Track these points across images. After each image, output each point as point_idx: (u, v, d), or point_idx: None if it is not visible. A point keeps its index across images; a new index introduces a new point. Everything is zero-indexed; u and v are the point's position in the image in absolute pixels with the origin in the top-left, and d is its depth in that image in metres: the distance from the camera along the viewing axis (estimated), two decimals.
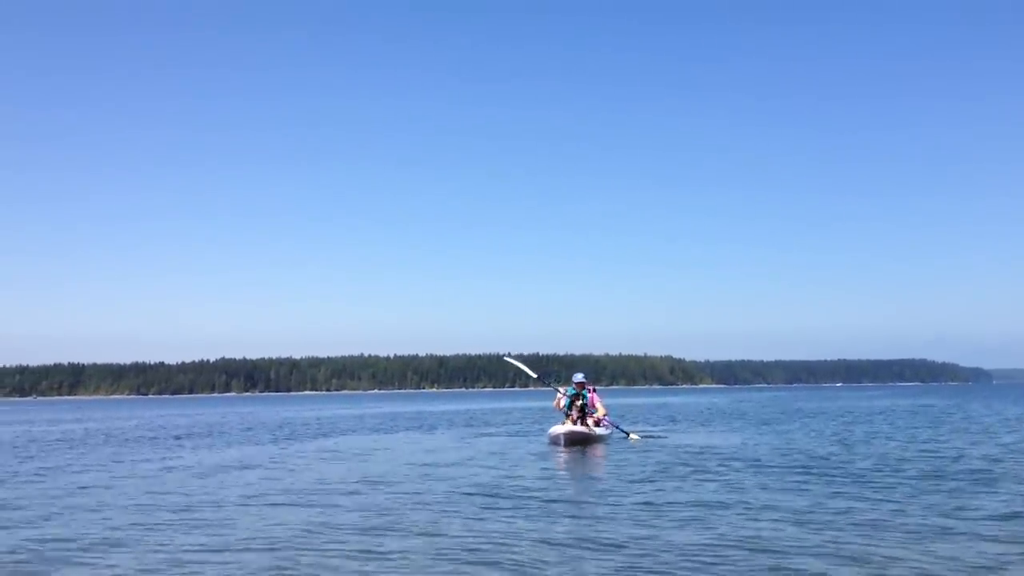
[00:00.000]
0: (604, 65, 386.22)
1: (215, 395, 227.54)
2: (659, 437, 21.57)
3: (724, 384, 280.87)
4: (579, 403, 19.82)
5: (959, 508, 9.50)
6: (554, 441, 19.02)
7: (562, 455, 17.03)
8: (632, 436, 20.79)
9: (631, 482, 12.39)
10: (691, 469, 13.86)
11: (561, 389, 20.26)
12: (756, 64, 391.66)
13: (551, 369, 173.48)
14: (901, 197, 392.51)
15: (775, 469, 13.60)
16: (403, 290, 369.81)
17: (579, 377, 20.37)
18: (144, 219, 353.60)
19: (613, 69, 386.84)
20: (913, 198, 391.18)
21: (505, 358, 21.49)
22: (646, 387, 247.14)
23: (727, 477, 12.68)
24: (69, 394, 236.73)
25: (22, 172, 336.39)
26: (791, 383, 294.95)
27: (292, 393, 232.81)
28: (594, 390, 20.47)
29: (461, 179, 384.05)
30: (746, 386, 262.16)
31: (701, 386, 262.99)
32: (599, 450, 17.86)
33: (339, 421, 37.05)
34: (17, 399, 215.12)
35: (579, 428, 19.16)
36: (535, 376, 24.21)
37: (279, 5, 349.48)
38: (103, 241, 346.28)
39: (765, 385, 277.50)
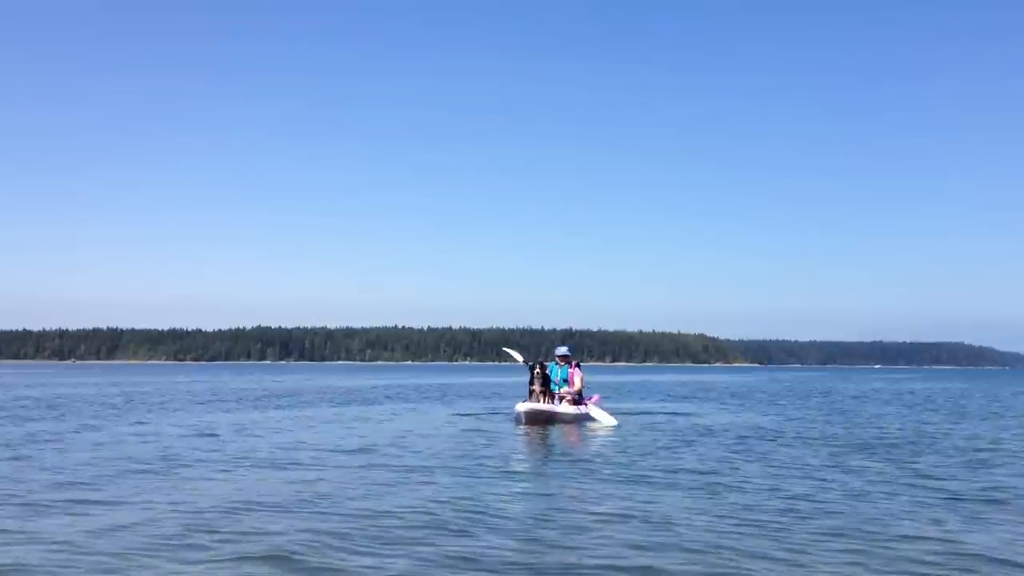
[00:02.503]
0: (634, 43, 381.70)
1: (250, 362, 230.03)
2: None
3: (758, 363, 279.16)
4: (539, 375, 18.24)
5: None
6: (516, 419, 17.90)
7: (518, 435, 15.85)
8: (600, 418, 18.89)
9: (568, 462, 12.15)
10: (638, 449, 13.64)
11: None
12: (778, 45, 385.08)
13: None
14: (939, 178, 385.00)
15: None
16: (438, 263, 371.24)
17: (562, 351, 19.34)
18: (182, 186, 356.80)
19: (641, 48, 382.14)
20: (950, 179, 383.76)
21: (504, 348, 20.30)
22: (678, 364, 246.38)
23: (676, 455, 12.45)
24: (107, 359, 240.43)
25: (59, 139, 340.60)
26: (825, 364, 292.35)
27: (326, 362, 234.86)
28: (577, 365, 19.22)
29: (497, 156, 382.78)
30: (780, 366, 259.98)
31: (734, 365, 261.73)
32: (560, 430, 16.78)
33: (365, 392, 37.31)
34: (56, 362, 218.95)
35: (540, 406, 17.92)
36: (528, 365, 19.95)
37: None
38: (142, 208, 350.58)
39: (799, 365, 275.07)
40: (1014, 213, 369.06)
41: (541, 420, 17.58)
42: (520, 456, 12.88)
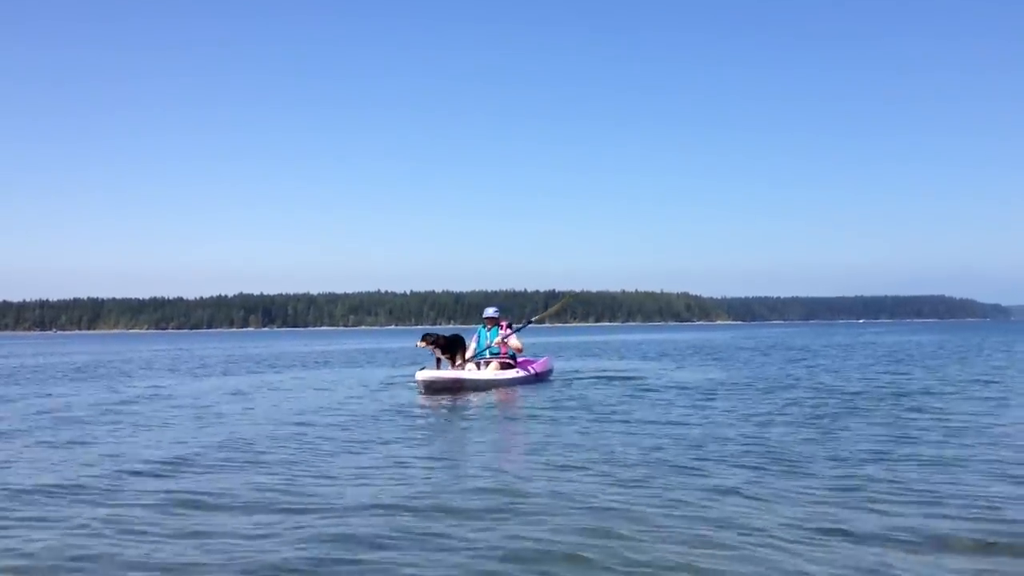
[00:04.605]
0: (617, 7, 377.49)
1: (233, 330, 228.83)
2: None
3: (740, 320, 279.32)
4: (432, 343, 16.64)
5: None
6: (417, 388, 15.94)
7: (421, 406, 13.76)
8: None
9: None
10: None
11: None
12: (766, 3, 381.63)
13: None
14: (918, 134, 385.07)
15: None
16: (421, 227, 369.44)
17: (490, 311, 17.71)
18: (162, 156, 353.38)
19: (623, 10, 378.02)
20: (930, 135, 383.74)
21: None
22: (661, 323, 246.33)
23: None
24: (89, 328, 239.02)
25: (41, 111, 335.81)
26: (808, 319, 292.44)
27: (309, 328, 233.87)
28: (509, 326, 17.60)
29: (478, 118, 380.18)
30: (762, 323, 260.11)
31: (717, 323, 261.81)
32: (470, 397, 14.71)
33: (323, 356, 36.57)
34: (38, 333, 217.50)
35: (446, 373, 16.08)
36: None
37: None
38: (123, 177, 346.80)
39: (782, 322, 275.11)
40: (993, 167, 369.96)
41: (447, 389, 15.56)
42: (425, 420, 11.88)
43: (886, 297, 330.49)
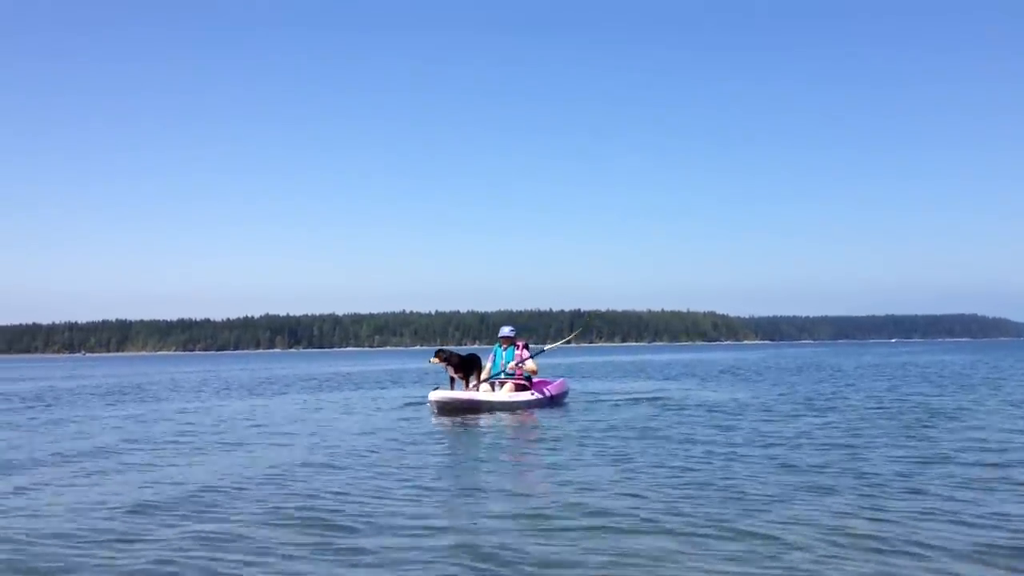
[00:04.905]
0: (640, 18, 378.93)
1: (259, 351, 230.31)
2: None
3: (769, 340, 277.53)
4: (444, 360, 16.55)
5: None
6: (431, 409, 15.90)
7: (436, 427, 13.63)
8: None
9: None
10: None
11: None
12: (785, 21, 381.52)
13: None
14: (949, 149, 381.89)
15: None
16: (445, 247, 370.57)
17: (505, 331, 17.32)
18: (187, 176, 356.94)
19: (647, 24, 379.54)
20: (961, 150, 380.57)
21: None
22: (688, 343, 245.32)
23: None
24: (117, 350, 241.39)
25: (65, 130, 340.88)
26: (837, 339, 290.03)
27: (335, 349, 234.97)
28: (525, 346, 17.26)
29: (502, 136, 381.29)
30: (791, 342, 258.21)
31: (744, 342, 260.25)
32: (487, 419, 14.54)
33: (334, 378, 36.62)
34: (67, 355, 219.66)
35: (460, 393, 15.96)
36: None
37: None
38: (149, 199, 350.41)
39: (811, 341, 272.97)
40: None
41: (460, 410, 15.45)
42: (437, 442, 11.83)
43: (917, 316, 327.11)
